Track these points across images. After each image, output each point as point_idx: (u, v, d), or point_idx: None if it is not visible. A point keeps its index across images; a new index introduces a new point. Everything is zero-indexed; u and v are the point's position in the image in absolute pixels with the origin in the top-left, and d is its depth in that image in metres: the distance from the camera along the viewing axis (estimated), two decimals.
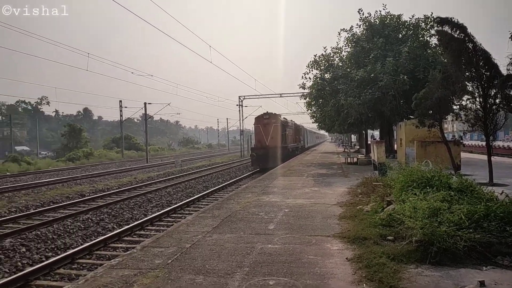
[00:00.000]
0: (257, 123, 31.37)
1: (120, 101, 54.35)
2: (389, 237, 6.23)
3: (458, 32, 11.60)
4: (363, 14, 24.45)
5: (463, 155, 19.71)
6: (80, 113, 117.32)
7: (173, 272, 5.06)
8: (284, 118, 35.30)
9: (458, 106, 13.62)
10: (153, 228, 11.75)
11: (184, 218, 10.34)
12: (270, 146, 29.55)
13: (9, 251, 9.42)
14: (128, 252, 6.15)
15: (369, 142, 33.24)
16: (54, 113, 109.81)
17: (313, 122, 42.79)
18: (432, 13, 22.35)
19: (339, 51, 26.00)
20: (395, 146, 26.05)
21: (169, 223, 12.10)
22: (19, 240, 10.31)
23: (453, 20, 11.65)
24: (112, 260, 5.73)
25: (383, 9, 24.81)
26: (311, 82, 26.31)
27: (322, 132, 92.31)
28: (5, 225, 12.41)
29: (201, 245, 6.31)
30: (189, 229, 7.51)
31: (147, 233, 11.11)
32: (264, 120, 30.95)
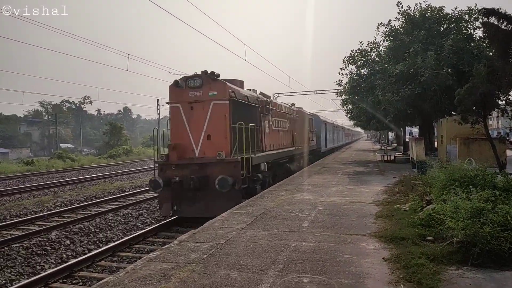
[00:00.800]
0: (175, 100, 12.54)
1: (158, 100, 55.77)
2: (429, 238, 6.04)
3: (505, 23, 10.98)
4: (402, 7, 23.70)
5: (509, 153, 18.68)
6: (120, 112, 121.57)
7: (208, 266, 5.16)
8: (261, 93, 16.32)
9: (504, 102, 12.93)
10: (189, 223, 12.00)
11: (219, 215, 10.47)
12: (206, 159, 11.84)
13: (55, 243, 9.96)
14: (166, 246, 6.33)
15: (407, 139, 32.22)
16: (97, 112, 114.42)
17: (349, 120, 41.97)
18: (476, 4, 21.31)
19: (376, 46, 25.33)
20: (436, 143, 25.10)
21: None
22: (64, 233, 10.87)
23: (499, 10, 11.04)
24: (150, 254, 5.93)
25: (424, 1, 23.93)
26: (347, 78, 25.82)
27: (358, 129, 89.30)
28: (51, 219, 13.12)
29: (236, 241, 6.39)
30: (223, 225, 7.62)
31: (183, 228, 11.37)
32: (191, 93, 12.20)
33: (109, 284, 4.64)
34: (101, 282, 4.78)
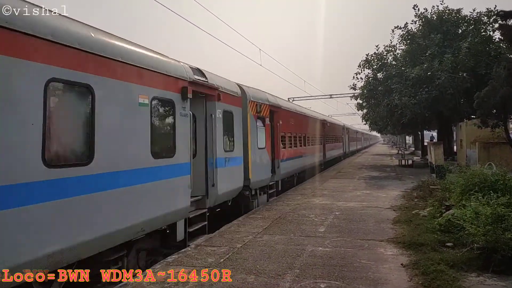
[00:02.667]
0: None
1: None
2: (448, 244, 5.95)
3: None
4: (418, 10, 23.48)
5: None
6: None
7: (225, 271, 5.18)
8: None
9: None
10: None
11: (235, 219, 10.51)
12: None
13: None
14: (183, 250, 6.39)
15: (425, 144, 31.73)
16: None
17: (364, 124, 41.52)
18: (495, 6, 20.93)
19: (392, 49, 25.13)
20: (455, 147, 24.66)
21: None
22: None
23: None
24: (168, 258, 5.98)
25: (441, 3, 23.67)
26: (363, 82, 25.66)
27: (374, 133, 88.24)
28: None
29: (252, 246, 6.40)
30: (240, 230, 7.65)
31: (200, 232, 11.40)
32: None
33: (128, 286, 4.72)
34: (120, 285, 4.85)
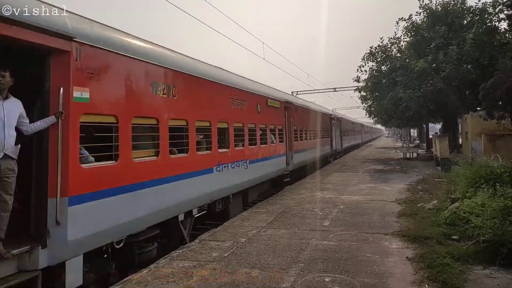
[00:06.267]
0: None
1: None
2: (454, 237, 5.91)
3: None
4: (423, 1, 23.18)
5: None
6: None
7: (229, 265, 5.18)
8: None
9: None
10: (209, 222, 12.02)
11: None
12: None
13: None
14: (187, 245, 6.39)
15: (430, 136, 31.55)
16: None
17: (369, 117, 41.25)
18: None
19: (397, 41, 24.87)
20: (460, 140, 24.50)
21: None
22: None
23: None
24: (172, 252, 5.99)
25: None
26: (367, 75, 25.45)
27: (378, 126, 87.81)
28: None
29: (256, 240, 6.39)
30: (244, 224, 7.64)
31: (204, 227, 11.41)
32: None
33: (133, 281, 4.72)
34: (124, 279, 4.86)
